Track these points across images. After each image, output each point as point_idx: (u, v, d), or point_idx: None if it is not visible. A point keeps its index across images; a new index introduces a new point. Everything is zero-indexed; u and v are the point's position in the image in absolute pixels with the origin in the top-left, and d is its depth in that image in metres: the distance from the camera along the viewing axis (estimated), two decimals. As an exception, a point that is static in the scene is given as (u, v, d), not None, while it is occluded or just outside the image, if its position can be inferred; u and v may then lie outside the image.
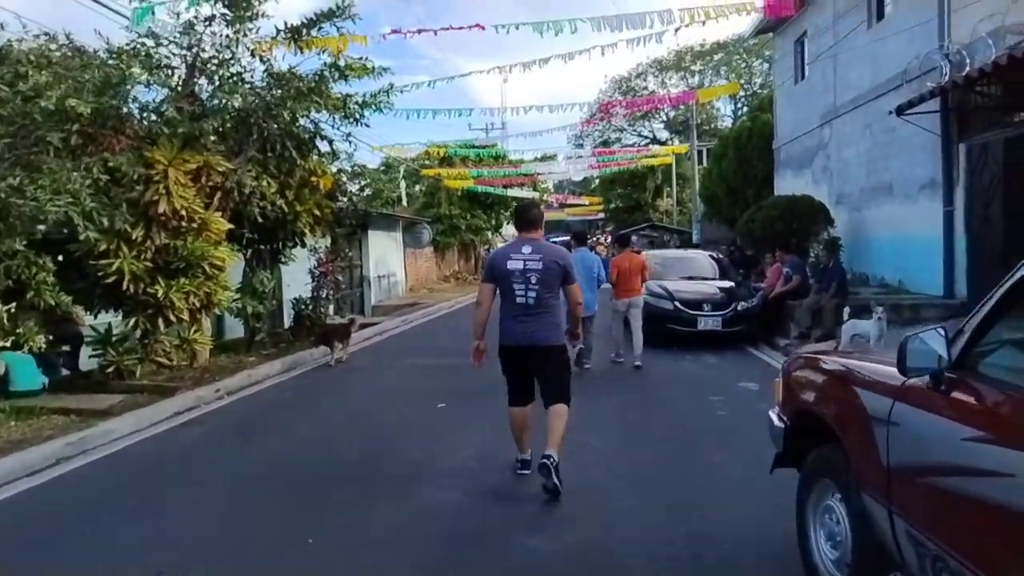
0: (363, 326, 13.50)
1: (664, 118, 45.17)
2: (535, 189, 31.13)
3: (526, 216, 4.72)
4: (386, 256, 22.62)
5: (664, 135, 45.22)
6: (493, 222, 31.08)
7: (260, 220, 9.46)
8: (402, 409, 6.99)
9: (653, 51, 51.60)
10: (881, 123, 11.47)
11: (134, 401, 7.46)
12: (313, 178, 10.41)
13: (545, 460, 4.28)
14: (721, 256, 13.23)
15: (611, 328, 9.27)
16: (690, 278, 11.32)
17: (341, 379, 8.94)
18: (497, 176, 26.72)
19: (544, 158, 29.57)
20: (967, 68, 7.88)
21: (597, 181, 46.92)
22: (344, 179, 11.68)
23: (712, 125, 42.16)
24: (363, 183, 34.30)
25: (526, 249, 4.49)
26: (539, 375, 4.62)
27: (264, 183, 9.18)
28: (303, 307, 12.80)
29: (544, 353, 4.53)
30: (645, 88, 43.08)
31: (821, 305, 9.87)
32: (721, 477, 4.71)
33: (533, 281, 4.42)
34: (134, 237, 7.95)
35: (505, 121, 34.87)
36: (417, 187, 31.75)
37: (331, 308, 13.73)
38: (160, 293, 8.16)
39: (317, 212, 10.86)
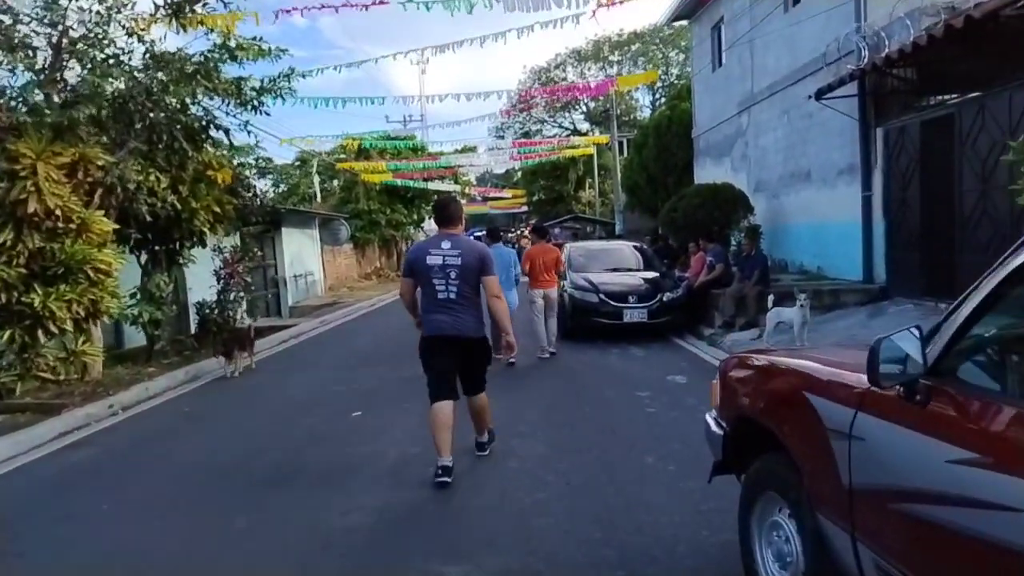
0: (259, 330, 12.69)
1: (584, 109, 45.37)
2: (456, 182, 30.57)
3: (445, 212, 4.73)
4: (302, 254, 21.65)
5: (585, 126, 45.43)
6: (415, 216, 30.34)
7: (150, 219, 8.63)
8: (313, 420, 6.40)
9: (571, 40, 51.99)
10: (798, 109, 11.54)
11: (13, 422, 6.75)
12: (209, 172, 9.60)
13: (480, 451, 4.95)
14: (645, 246, 13.10)
15: (532, 322, 9.02)
16: (615, 270, 11.11)
17: (248, 389, 8.23)
18: (416, 169, 26.04)
19: (464, 150, 29.06)
20: (886, 50, 7.85)
21: (519, 173, 46.77)
22: (247, 173, 10.82)
23: (631, 116, 42.65)
24: (277, 178, 32.97)
25: (445, 244, 4.52)
26: (465, 366, 4.68)
27: (152, 178, 8.36)
28: (208, 311, 11.96)
29: (472, 345, 4.62)
30: (564, 78, 43.13)
31: (744, 293, 9.80)
32: (653, 482, 4.37)
33: (453, 276, 4.46)
34: (2, 241, 7.12)
35: (424, 112, 34.08)
36: (335, 182, 30.64)
37: (240, 312, 12.86)
38: (37, 302, 7.34)
39: (217, 209, 10.08)
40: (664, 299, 10.05)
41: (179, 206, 9.07)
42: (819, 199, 11.23)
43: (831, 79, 9.40)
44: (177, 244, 10.37)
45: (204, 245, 10.78)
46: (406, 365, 5.46)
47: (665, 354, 9.00)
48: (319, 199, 27.78)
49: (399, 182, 26.33)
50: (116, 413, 7.29)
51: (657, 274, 10.98)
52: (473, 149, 30.64)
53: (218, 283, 12.12)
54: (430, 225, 31.75)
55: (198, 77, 7.83)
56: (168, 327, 10.61)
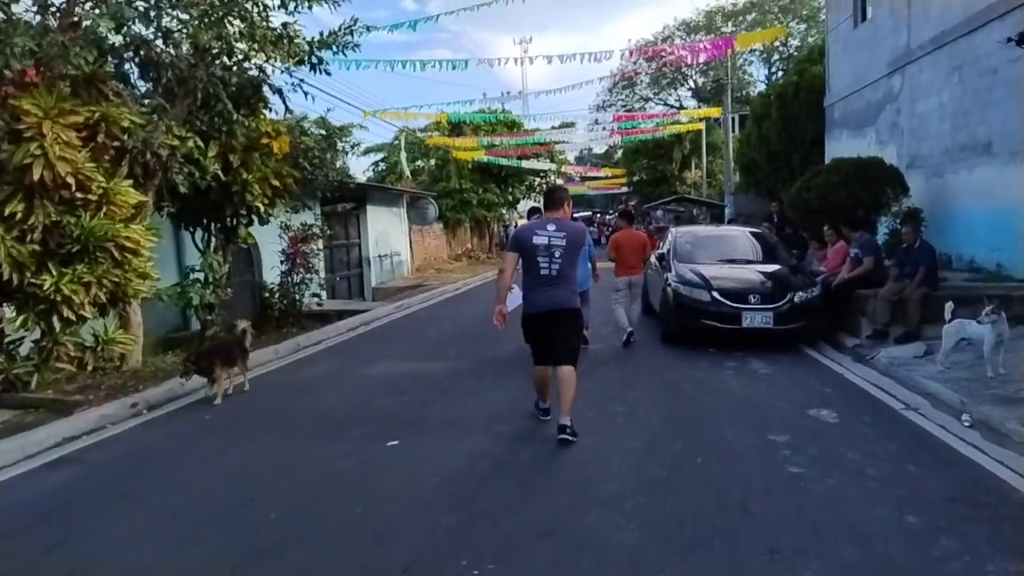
0: (326, 315, 11.53)
1: (692, 85, 42.45)
2: (552, 160, 28.80)
3: (552, 197, 5.30)
4: (388, 234, 20.71)
5: (692, 104, 42.47)
6: (508, 197, 28.85)
7: (189, 191, 7.55)
8: (343, 447, 5.03)
9: (681, 11, 48.81)
10: (976, 64, 9.15)
11: (18, 422, 5.87)
12: (264, 140, 8.45)
13: (562, 435, 4.85)
14: (769, 232, 11.00)
15: (613, 310, 8.81)
16: (731, 261, 9.14)
17: (285, 393, 7.01)
18: (511, 146, 24.52)
19: (563, 126, 27.24)
20: None
21: (620, 152, 44.47)
22: (310, 143, 9.63)
23: (743, 92, 39.34)
24: (380, 157, 32.23)
25: (551, 227, 4.99)
26: (554, 336, 4.99)
27: (190, 144, 7.24)
28: (268, 294, 11.05)
29: (562, 315, 4.98)
30: (672, 54, 40.32)
31: (904, 295, 7.72)
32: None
33: (556, 255, 4.93)
34: (8, 212, 6.16)
35: (524, 86, 32.34)
36: (430, 160, 29.56)
37: (307, 294, 11.85)
38: (48, 284, 6.39)
39: (275, 182, 8.94)
40: (795, 300, 8.06)
41: (223, 177, 7.94)
42: (1004, 178, 8.80)
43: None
44: (232, 221, 9.34)
45: (263, 222, 9.71)
46: (509, 327, 4.76)
47: (799, 372, 7.05)
48: (409, 177, 26.78)
49: (492, 160, 24.92)
50: (140, 413, 6.31)
51: (785, 268, 8.97)
52: (572, 125, 28.78)
53: (282, 264, 11.24)
54: (524, 206, 30.26)
55: (229, 20, 6.55)
56: (224, 311, 9.61)
